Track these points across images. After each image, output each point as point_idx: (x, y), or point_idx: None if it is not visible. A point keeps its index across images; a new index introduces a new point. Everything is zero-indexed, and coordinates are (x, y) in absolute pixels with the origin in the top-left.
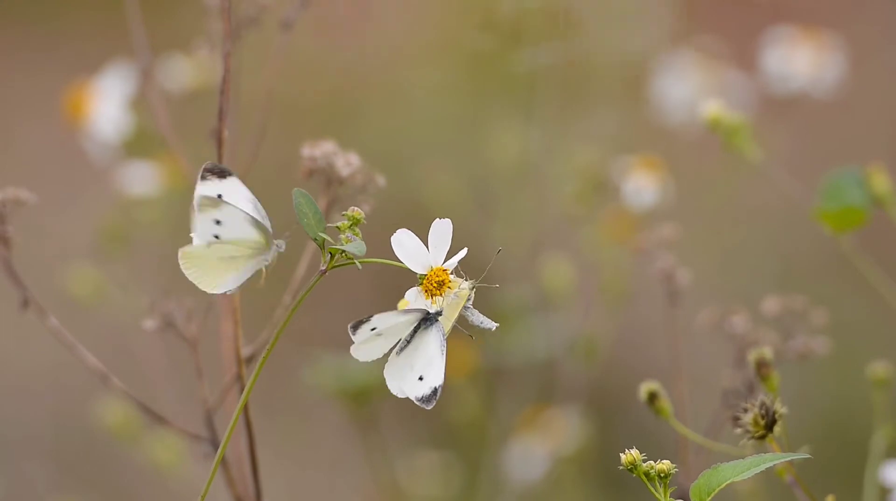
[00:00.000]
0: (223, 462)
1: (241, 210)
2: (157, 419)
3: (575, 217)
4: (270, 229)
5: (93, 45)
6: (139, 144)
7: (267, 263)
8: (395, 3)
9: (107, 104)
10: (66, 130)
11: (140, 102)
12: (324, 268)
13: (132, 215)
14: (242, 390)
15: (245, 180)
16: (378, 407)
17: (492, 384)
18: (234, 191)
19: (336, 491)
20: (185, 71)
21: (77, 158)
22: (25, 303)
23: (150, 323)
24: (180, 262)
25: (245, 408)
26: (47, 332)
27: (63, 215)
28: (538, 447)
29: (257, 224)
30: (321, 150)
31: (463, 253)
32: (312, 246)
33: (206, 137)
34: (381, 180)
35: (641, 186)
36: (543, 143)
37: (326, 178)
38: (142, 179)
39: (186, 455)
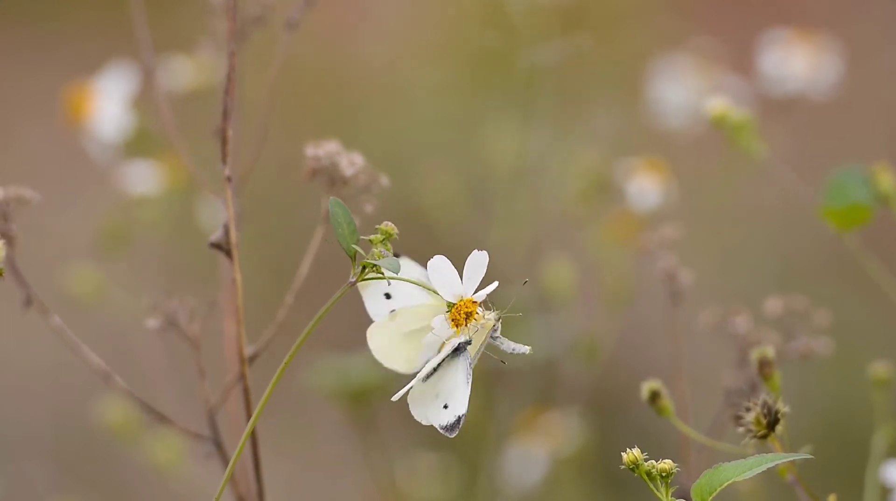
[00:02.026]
0: (226, 461)
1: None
2: (159, 418)
3: (576, 218)
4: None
5: (93, 44)
6: (140, 144)
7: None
8: (395, 3)
9: (108, 103)
10: (66, 130)
11: (141, 102)
12: (353, 280)
13: (133, 214)
14: (245, 389)
15: (247, 181)
16: (378, 408)
17: (491, 385)
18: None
19: (336, 491)
20: (187, 70)
21: (77, 158)
22: (28, 302)
23: (152, 323)
24: (369, 344)
25: (248, 407)
26: (47, 332)
27: (63, 215)
28: (538, 448)
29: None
30: (325, 149)
31: (493, 287)
32: (315, 245)
33: (210, 136)
34: (384, 180)
35: (645, 187)
36: (543, 143)
37: (330, 177)
38: (143, 178)
39: (187, 455)
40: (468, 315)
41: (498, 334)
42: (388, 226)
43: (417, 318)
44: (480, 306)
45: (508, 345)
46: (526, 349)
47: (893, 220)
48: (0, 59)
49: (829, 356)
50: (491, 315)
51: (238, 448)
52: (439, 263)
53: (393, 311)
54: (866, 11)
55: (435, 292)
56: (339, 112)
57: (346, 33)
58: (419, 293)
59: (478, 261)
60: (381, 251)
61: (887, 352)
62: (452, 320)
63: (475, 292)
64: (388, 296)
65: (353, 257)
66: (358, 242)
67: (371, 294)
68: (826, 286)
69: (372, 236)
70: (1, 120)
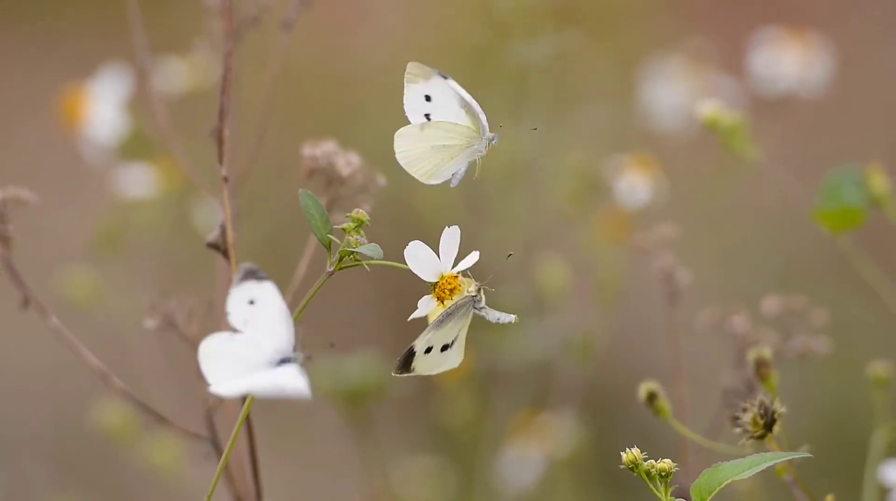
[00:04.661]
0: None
1: (451, 87)
2: (158, 418)
3: (570, 217)
4: (482, 116)
5: (93, 43)
6: (136, 146)
7: (481, 153)
8: (394, 3)
9: (102, 107)
10: (63, 132)
11: (137, 104)
12: (331, 269)
13: (129, 217)
14: None
15: (245, 180)
16: (374, 409)
17: (487, 387)
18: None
19: (335, 491)
20: (184, 71)
21: (76, 159)
22: (26, 302)
23: (150, 323)
24: (395, 145)
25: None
26: (47, 332)
27: (62, 216)
28: (534, 450)
29: (467, 108)
30: (322, 149)
31: (474, 258)
32: (312, 245)
33: (207, 136)
34: (381, 180)
35: (634, 184)
36: (538, 142)
37: (327, 177)
38: (138, 181)
39: (186, 456)
40: (452, 291)
41: (482, 305)
42: (359, 213)
43: (449, 134)
44: (461, 277)
45: (493, 315)
46: (511, 317)
47: (889, 221)
48: (0, 59)
49: (829, 356)
50: (472, 287)
51: (230, 440)
52: (415, 249)
53: (427, 120)
54: (865, 11)
55: (474, 116)
56: (339, 112)
57: (346, 33)
58: (457, 113)
59: (451, 236)
60: (356, 239)
61: (887, 352)
62: (438, 298)
63: (454, 266)
64: (427, 117)
65: (329, 246)
66: (332, 231)
67: (412, 110)
68: (826, 286)
69: (345, 225)
70: (1, 120)
